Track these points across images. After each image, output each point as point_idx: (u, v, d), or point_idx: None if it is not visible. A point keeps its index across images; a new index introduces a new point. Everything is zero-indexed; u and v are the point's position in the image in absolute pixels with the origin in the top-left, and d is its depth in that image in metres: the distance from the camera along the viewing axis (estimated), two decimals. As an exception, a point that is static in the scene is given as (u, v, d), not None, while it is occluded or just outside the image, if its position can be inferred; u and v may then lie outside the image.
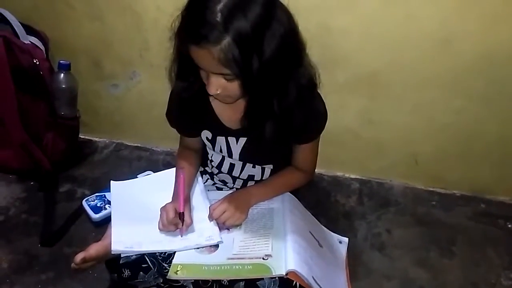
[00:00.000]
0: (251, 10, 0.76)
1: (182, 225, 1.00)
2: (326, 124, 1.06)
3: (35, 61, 1.51)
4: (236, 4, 0.76)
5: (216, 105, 1.05)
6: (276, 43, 0.80)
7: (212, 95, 0.90)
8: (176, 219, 0.99)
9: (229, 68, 0.80)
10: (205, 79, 0.87)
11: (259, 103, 0.91)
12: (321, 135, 1.10)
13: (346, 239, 1.24)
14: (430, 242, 1.45)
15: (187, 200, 1.06)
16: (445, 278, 1.32)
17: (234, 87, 0.85)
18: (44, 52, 1.58)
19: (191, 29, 0.79)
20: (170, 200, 1.06)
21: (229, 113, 1.03)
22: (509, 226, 1.53)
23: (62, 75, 1.57)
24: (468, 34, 1.33)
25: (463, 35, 1.34)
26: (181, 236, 1.00)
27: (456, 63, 1.39)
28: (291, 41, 0.85)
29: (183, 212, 1.00)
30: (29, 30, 1.56)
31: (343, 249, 1.21)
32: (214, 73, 0.83)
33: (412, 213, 1.58)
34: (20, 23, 1.52)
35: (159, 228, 1.01)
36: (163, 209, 1.02)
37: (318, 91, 1.01)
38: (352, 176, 1.74)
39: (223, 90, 0.87)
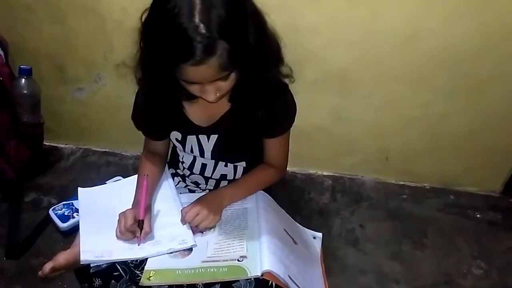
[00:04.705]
0: (224, 4, 0.75)
1: (141, 233, 0.96)
2: (297, 122, 1.05)
3: (-7, 67, 1.46)
4: (208, 7, 0.74)
5: (185, 104, 1.02)
6: (255, 28, 0.80)
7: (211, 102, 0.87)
8: (134, 226, 0.96)
9: (227, 69, 0.79)
10: (198, 91, 0.85)
11: (250, 91, 0.91)
12: (293, 133, 1.09)
13: (320, 234, 1.24)
14: (403, 235, 1.47)
15: (148, 208, 1.03)
16: (419, 270, 1.35)
17: (229, 82, 0.84)
18: (3, 57, 1.53)
19: (180, 52, 0.75)
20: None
21: (198, 110, 1.02)
22: (478, 216, 1.57)
23: (23, 80, 1.52)
24: (432, 30, 1.36)
25: (428, 31, 1.36)
26: (139, 245, 0.96)
27: (421, 58, 1.42)
28: (265, 26, 0.86)
29: (142, 220, 0.97)
30: (-14, 35, 1.50)
31: (317, 245, 1.21)
32: (211, 81, 0.82)
33: (384, 207, 1.60)
34: (-24, 27, 1.46)
35: (116, 236, 0.97)
36: (122, 214, 0.98)
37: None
38: (325, 173, 1.75)
39: (220, 92, 0.85)
